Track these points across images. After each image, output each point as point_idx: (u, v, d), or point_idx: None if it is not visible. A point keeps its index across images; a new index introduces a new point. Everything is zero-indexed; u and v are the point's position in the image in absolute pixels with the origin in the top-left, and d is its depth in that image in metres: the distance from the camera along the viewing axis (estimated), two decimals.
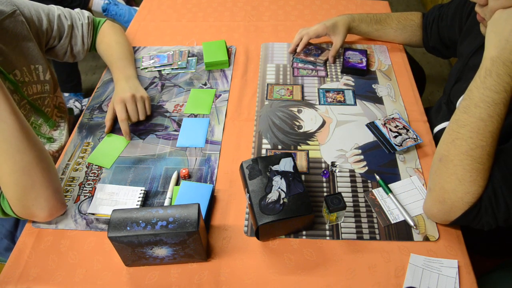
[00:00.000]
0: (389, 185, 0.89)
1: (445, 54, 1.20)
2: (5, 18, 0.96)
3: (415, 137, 0.96)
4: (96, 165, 0.97)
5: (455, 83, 1.00)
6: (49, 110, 1.11)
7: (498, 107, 0.69)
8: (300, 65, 1.22)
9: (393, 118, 1.01)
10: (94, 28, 1.18)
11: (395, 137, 0.96)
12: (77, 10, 1.17)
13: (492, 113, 0.69)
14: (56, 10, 1.10)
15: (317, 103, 1.10)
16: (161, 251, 0.74)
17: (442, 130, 1.00)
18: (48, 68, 1.10)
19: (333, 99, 1.11)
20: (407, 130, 0.97)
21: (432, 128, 1.03)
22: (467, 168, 0.70)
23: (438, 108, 1.07)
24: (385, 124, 1.00)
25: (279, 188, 0.79)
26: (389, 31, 1.23)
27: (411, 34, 1.22)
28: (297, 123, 1.05)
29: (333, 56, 1.21)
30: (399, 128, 0.98)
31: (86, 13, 1.17)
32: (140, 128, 1.06)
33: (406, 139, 0.96)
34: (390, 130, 0.98)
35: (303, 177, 0.92)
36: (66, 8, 1.14)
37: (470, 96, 0.71)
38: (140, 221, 0.70)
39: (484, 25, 0.81)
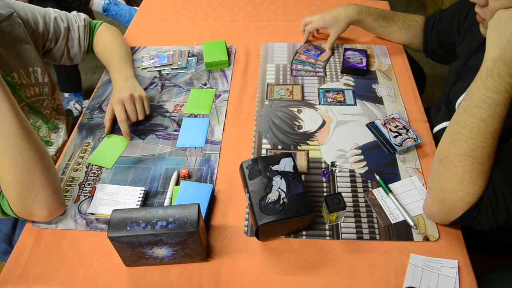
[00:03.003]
0: (389, 185, 0.89)
1: (444, 58, 1.19)
2: (2, 21, 0.96)
3: (415, 137, 0.96)
4: (96, 165, 0.97)
5: (454, 83, 1.00)
6: (48, 112, 1.11)
7: (499, 107, 0.68)
8: (299, 66, 1.21)
9: (393, 118, 1.01)
10: (90, 30, 1.18)
11: (395, 137, 0.96)
12: (74, 12, 1.17)
13: (492, 114, 0.69)
14: (52, 12, 1.10)
15: (317, 103, 1.10)
16: (161, 251, 0.74)
17: (442, 130, 1.00)
18: (46, 71, 1.10)
19: (333, 99, 1.11)
20: (407, 130, 0.97)
21: (431, 128, 1.03)
22: (468, 168, 0.70)
23: (438, 108, 1.07)
24: (385, 124, 1.00)
25: (279, 188, 0.79)
26: (394, 29, 1.22)
27: (414, 35, 1.21)
28: (297, 123, 1.05)
29: (329, 48, 1.22)
30: (399, 128, 0.98)
31: (82, 15, 1.17)
32: (140, 128, 1.06)
33: (406, 139, 0.96)
34: (390, 130, 0.98)
35: (303, 177, 0.92)
36: (63, 11, 1.14)
37: (471, 96, 0.71)
38: (140, 221, 0.70)
39: (484, 25, 0.81)
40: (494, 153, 0.71)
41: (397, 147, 0.94)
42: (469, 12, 1.01)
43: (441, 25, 1.12)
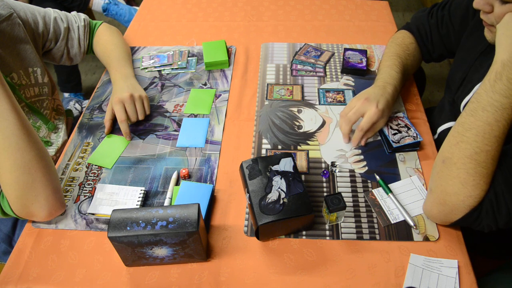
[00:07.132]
0: (389, 185, 0.89)
1: (450, 56, 1.15)
2: (2, 21, 0.96)
3: (415, 135, 0.95)
4: (96, 165, 0.97)
5: (460, 84, 0.98)
6: (48, 112, 1.11)
7: (506, 112, 0.67)
8: (299, 66, 1.21)
9: (396, 116, 1.00)
10: (90, 30, 1.18)
11: (394, 134, 0.96)
12: (74, 13, 1.17)
13: (499, 118, 0.67)
14: (52, 12, 1.10)
15: (317, 103, 1.10)
16: (161, 251, 0.74)
17: (446, 130, 0.99)
18: (46, 71, 1.10)
19: (333, 99, 1.11)
20: (408, 129, 0.97)
21: (435, 128, 1.02)
22: (471, 172, 0.69)
23: (442, 108, 1.06)
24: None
25: (279, 188, 0.79)
26: (410, 71, 1.11)
27: (417, 60, 1.12)
28: (297, 123, 1.05)
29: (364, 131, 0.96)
30: (400, 126, 0.98)
31: (82, 15, 1.18)
32: (140, 128, 1.06)
33: (405, 136, 0.95)
34: (391, 127, 0.98)
35: (303, 177, 0.92)
36: (63, 11, 1.14)
37: (478, 99, 0.70)
38: (140, 221, 0.70)
39: (491, 30, 0.80)
40: (498, 157, 0.70)
41: (393, 144, 0.94)
42: (476, 10, 0.97)
43: (442, 29, 1.05)
